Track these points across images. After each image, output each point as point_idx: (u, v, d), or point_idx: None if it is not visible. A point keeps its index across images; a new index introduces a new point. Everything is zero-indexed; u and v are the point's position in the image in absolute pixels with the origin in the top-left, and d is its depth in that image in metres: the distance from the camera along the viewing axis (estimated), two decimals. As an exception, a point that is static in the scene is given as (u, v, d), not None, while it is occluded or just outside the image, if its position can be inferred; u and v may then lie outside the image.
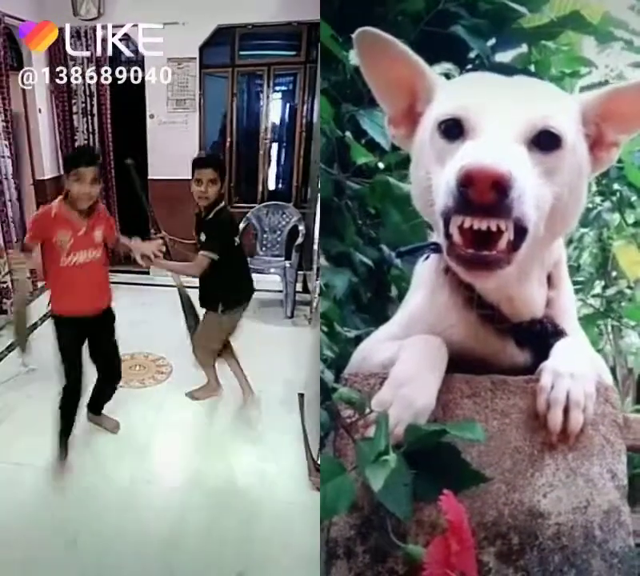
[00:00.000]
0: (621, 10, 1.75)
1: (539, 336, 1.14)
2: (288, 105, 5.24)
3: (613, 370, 2.28)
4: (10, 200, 4.33)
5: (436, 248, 1.17)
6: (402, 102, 1.11)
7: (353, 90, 1.42)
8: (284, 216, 4.92)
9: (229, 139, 5.22)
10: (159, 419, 3.09)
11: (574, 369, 1.07)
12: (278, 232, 4.91)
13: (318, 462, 2.38)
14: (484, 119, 0.98)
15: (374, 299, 1.54)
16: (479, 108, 0.99)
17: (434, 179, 1.01)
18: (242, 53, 5.01)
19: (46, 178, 5.01)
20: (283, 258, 4.73)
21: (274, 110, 5.20)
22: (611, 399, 1.11)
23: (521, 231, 0.95)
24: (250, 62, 5.07)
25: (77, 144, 5.10)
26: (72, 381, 2.55)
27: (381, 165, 1.55)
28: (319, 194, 1.40)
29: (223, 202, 2.69)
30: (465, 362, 1.13)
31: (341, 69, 1.43)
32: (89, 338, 2.58)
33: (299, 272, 4.66)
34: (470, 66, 1.56)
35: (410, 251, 1.30)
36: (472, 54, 1.57)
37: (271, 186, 5.35)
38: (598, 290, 2.61)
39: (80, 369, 2.58)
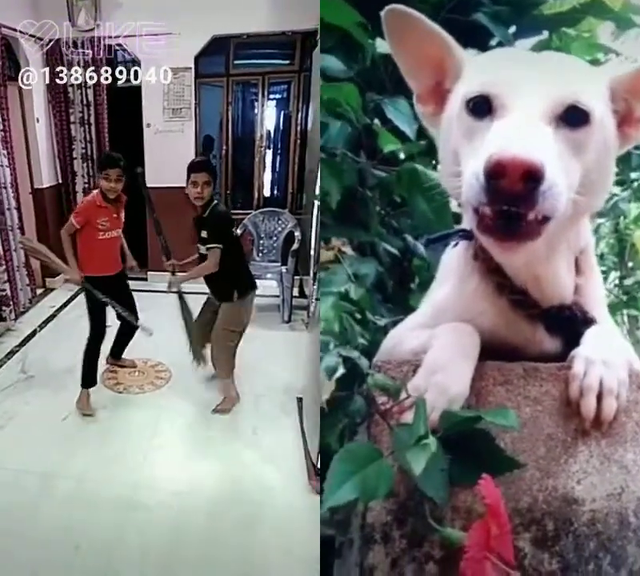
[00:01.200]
0: None
1: (569, 322, 1.14)
2: (282, 113, 5.29)
3: None
4: (9, 208, 4.36)
5: (465, 234, 1.17)
6: (430, 79, 1.10)
7: (376, 78, 1.41)
8: (280, 222, 4.96)
9: (224, 147, 5.26)
10: (158, 425, 3.11)
11: (606, 356, 1.07)
12: (274, 238, 4.95)
13: (318, 466, 2.37)
14: (512, 96, 0.96)
15: (398, 289, 1.53)
16: (507, 84, 0.98)
17: (462, 157, 1.00)
18: (236, 62, 5.06)
19: (44, 186, 5.05)
20: (280, 264, 4.77)
21: (268, 117, 5.24)
22: None
23: (551, 213, 0.94)
24: (244, 71, 5.12)
25: (74, 153, 5.15)
26: (97, 331, 3.22)
27: (402, 155, 1.54)
28: (340, 184, 1.36)
29: (216, 200, 3.01)
30: (495, 349, 1.12)
31: (361, 57, 1.41)
32: (112, 294, 3.23)
33: (295, 277, 4.71)
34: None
35: (439, 238, 1.29)
36: (493, 42, 1.57)
37: (267, 192, 5.39)
38: (615, 280, 2.60)
39: (104, 321, 3.26)
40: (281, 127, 5.32)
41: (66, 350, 3.79)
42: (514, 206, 0.91)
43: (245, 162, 5.31)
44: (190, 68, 4.90)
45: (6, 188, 4.32)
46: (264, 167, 5.29)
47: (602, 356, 1.07)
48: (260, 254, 4.93)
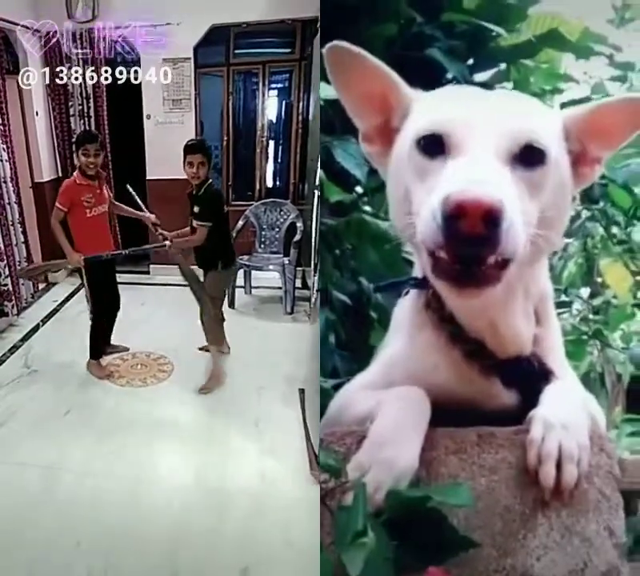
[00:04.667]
0: (598, 24, 1.72)
1: (526, 375, 1.09)
2: (284, 102, 5.22)
3: (601, 378, 2.27)
4: (9, 203, 4.34)
5: (415, 283, 1.13)
6: (376, 117, 1.07)
7: (326, 119, 1.38)
8: (282, 213, 4.91)
9: (226, 138, 5.21)
10: (161, 418, 3.10)
11: (565, 418, 1.01)
12: (276, 229, 4.91)
13: (319, 457, 2.37)
14: (466, 135, 0.94)
15: (354, 333, 1.48)
16: (460, 122, 0.95)
17: (414, 198, 0.97)
18: (236, 51, 4.99)
19: (44, 180, 5.02)
20: (282, 255, 4.74)
21: (270, 107, 5.18)
22: (606, 448, 1.04)
23: (510, 254, 0.91)
24: (245, 60, 5.05)
25: (74, 146, 5.11)
26: (97, 308, 3.40)
27: (359, 190, 1.50)
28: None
29: (210, 180, 3.25)
30: (449, 405, 1.07)
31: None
32: (103, 276, 3.35)
33: (298, 268, 4.67)
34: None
35: (389, 286, 1.26)
36: (449, 75, 1.54)
37: (269, 183, 5.34)
38: (583, 299, 2.61)
39: (102, 298, 3.42)
40: (282, 117, 5.27)
41: (68, 345, 3.80)
42: (475, 248, 0.87)
43: (246, 153, 5.27)
44: (189, 58, 4.84)
45: (5, 182, 4.30)
46: (266, 158, 5.24)
47: (562, 418, 1.01)
48: (262, 246, 4.89)
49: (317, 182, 2.46)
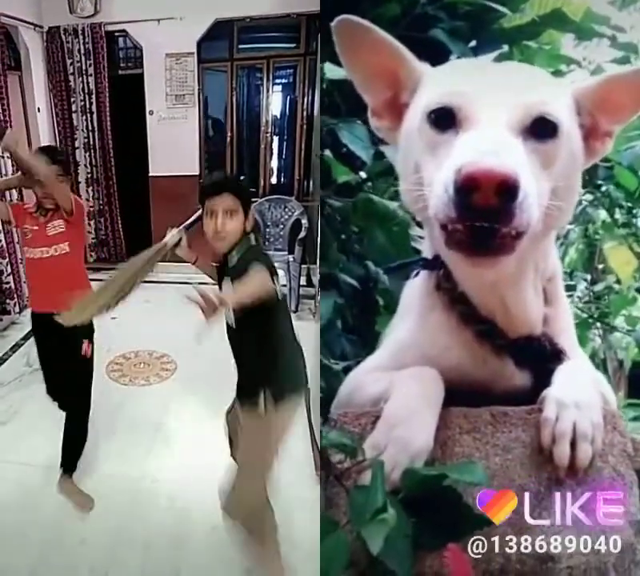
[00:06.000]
0: (601, 5, 1.70)
1: (538, 355, 1.10)
2: (288, 97, 5.18)
3: (604, 364, 2.24)
4: (11, 200, 4.31)
5: (425, 264, 1.13)
6: (385, 91, 1.07)
7: (329, 101, 1.37)
8: (286, 210, 4.88)
9: (229, 134, 5.17)
10: (164, 417, 3.06)
11: (578, 397, 1.02)
12: (281, 226, 4.87)
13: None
14: (477, 107, 0.93)
15: (362, 317, 1.48)
16: (471, 95, 0.95)
17: (425, 170, 0.97)
18: (240, 46, 4.95)
19: (46, 177, 5.00)
20: (286, 252, 4.69)
21: (274, 103, 5.14)
22: (619, 427, 1.05)
23: (524, 228, 0.92)
24: (248, 55, 5.01)
25: (76, 143, 5.08)
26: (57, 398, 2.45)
27: (363, 174, 1.49)
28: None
29: (253, 240, 1.80)
30: (462, 387, 1.08)
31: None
32: (54, 350, 2.36)
33: (303, 266, 4.63)
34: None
35: (398, 267, 1.27)
36: (453, 57, 1.52)
37: (273, 179, 5.30)
38: (585, 285, 2.60)
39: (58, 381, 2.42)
40: (287, 112, 5.22)
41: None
42: (489, 222, 0.87)
43: (251, 149, 5.23)
44: (193, 53, 4.82)
45: (7, 179, 4.26)
46: (270, 154, 5.20)
47: (575, 397, 1.02)
48: (266, 243, 4.86)
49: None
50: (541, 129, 0.94)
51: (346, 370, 1.25)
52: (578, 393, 1.03)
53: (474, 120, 0.93)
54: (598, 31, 1.68)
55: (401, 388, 1.06)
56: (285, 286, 4.53)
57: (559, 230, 1.17)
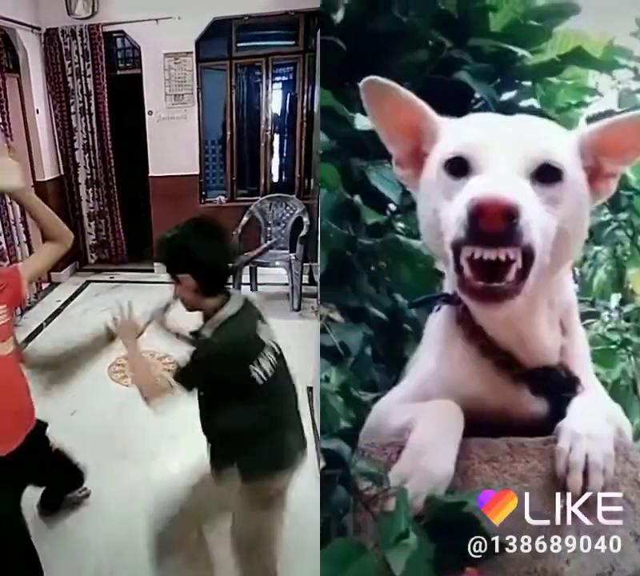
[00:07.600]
0: (623, 37, 1.75)
1: (554, 384, 1.16)
2: (288, 95, 5.17)
3: (634, 385, 2.26)
4: (11, 202, 4.31)
5: (446, 298, 1.21)
6: (408, 144, 1.16)
7: (359, 144, 1.45)
8: (288, 208, 4.87)
9: (229, 132, 5.16)
10: (167, 417, 3.03)
11: (591, 429, 1.07)
12: (282, 224, 4.86)
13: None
14: (488, 156, 1.03)
15: (390, 347, 1.56)
16: (483, 146, 1.04)
17: (442, 213, 1.05)
18: (239, 45, 4.95)
19: (46, 179, 4.98)
20: (288, 251, 4.69)
21: (274, 100, 5.14)
22: (631, 457, 1.09)
23: (529, 258, 0.99)
24: (247, 53, 5.00)
25: (76, 144, 5.08)
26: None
27: (393, 207, 1.58)
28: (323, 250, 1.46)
29: (229, 311, 1.64)
30: (481, 416, 1.13)
31: (342, 126, 1.47)
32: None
33: (305, 264, 4.61)
34: (476, 106, 1.61)
35: (422, 302, 1.34)
36: (477, 95, 1.62)
37: (274, 177, 5.30)
38: (614, 305, 2.63)
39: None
40: (287, 110, 5.21)
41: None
42: (496, 244, 0.97)
43: (251, 147, 5.23)
44: (191, 52, 4.81)
45: (7, 181, 4.25)
46: (271, 152, 5.19)
47: (588, 429, 1.08)
48: (268, 242, 4.83)
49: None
50: (546, 174, 1.02)
51: (375, 400, 1.32)
52: (591, 425, 1.09)
53: (484, 167, 1.02)
54: (620, 63, 1.74)
55: (424, 421, 1.12)
56: (286, 284, 4.51)
57: (581, 255, 1.24)
